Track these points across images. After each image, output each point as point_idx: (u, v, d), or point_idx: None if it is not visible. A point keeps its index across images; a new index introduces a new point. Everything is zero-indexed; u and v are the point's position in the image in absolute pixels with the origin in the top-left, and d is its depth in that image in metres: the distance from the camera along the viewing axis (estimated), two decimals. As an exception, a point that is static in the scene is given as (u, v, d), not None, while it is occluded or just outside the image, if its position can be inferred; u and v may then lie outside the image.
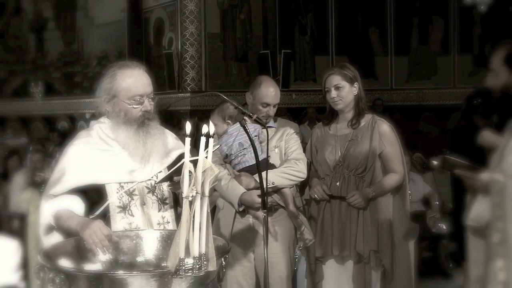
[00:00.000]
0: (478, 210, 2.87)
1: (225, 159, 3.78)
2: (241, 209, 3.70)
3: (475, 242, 2.92)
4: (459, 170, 3.05)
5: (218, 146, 3.64)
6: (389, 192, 3.83)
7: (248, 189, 3.64)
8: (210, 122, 2.09)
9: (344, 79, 3.79)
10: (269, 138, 3.49)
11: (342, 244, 3.74)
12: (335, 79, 3.80)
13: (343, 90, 3.78)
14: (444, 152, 6.67)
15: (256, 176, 3.48)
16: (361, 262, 3.74)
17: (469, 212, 2.94)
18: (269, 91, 3.85)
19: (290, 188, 3.76)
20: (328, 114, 3.94)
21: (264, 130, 3.50)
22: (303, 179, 3.81)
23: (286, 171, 3.73)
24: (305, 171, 3.79)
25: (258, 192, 3.47)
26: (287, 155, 3.81)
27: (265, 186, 3.27)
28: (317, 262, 3.83)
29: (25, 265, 2.75)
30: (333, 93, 3.78)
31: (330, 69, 3.91)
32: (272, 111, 3.87)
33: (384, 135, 3.80)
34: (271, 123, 3.87)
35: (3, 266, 2.58)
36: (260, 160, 3.29)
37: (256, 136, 3.66)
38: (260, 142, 3.70)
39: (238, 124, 3.45)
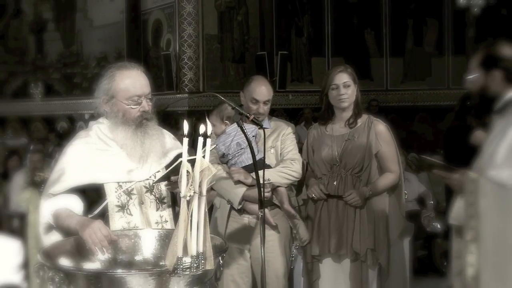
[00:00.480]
0: (458, 209, 2.93)
1: (222, 159, 3.80)
2: (239, 206, 3.73)
3: (457, 239, 2.99)
4: (436, 170, 3.13)
5: (215, 145, 3.68)
6: (385, 191, 3.85)
7: (245, 184, 3.69)
8: (208, 122, 2.11)
9: (351, 78, 3.82)
10: (265, 138, 3.53)
11: (339, 242, 3.76)
12: (345, 77, 3.81)
13: (350, 88, 3.80)
14: (438, 152, 6.71)
15: (253, 175, 3.52)
16: (357, 260, 3.75)
17: (451, 211, 3.01)
18: (258, 88, 3.84)
19: (286, 187, 3.79)
20: (324, 113, 3.93)
21: (261, 130, 3.54)
22: (298, 179, 3.83)
23: (282, 170, 3.75)
24: (300, 171, 3.81)
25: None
26: (283, 155, 3.83)
27: (261, 185, 3.30)
28: (314, 260, 3.85)
29: (25, 264, 2.76)
30: (343, 90, 3.79)
31: (337, 67, 3.91)
32: (262, 108, 3.84)
33: (380, 135, 3.83)
34: (266, 123, 3.84)
35: (6, 266, 2.59)
36: (256, 160, 3.32)
37: (253, 136, 3.69)
38: (257, 142, 3.72)
39: (236, 124, 3.48)
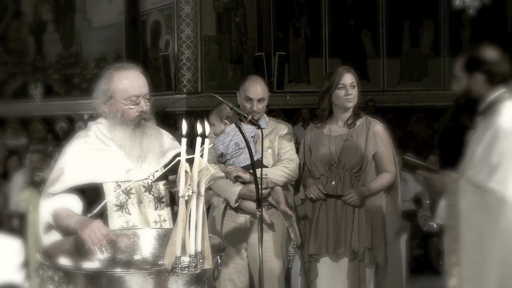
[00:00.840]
0: (442, 208, 2.99)
1: (219, 158, 3.82)
2: (236, 205, 3.75)
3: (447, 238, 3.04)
4: (420, 170, 3.18)
5: (213, 144, 3.69)
6: (382, 190, 3.87)
7: (243, 178, 3.71)
8: (205, 122, 2.13)
9: (355, 78, 3.85)
10: (263, 138, 3.54)
11: (337, 242, 3.78)
12: (351, 77, 3.84)
13: (355, 89, 3.83)
14: (434, 152, 6.73)
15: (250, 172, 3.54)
16: (355, 259, 3.77)
17: (437, 211, 3.06)
18: (251, 86, 3.85)
19: (282, 186, 3.80)
20: (323, 112, 3.93)
21: (259, 130, 3.56)
22: (294, 179, 3.85)
23: (279, 168, 3.78)
24: (297, 171, 3.84)
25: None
26: (280, 155, 3.85)
27: (259, 185, 3.30)
28: (311, 259, 3.86)
29: (25, 263, 2.77)
30: (350, 90, 3.81)
31: (342, 67, 3.92)
32: (256, 106, 3.84)
33: (378, 135, 3.85)
34: (263, 124, 3.84)
35: (7, 265, 2.60)
36: (254, 160, 3.35)
37: (252, 137, 3.70)
38: (255, 143, 3.73)
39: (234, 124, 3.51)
